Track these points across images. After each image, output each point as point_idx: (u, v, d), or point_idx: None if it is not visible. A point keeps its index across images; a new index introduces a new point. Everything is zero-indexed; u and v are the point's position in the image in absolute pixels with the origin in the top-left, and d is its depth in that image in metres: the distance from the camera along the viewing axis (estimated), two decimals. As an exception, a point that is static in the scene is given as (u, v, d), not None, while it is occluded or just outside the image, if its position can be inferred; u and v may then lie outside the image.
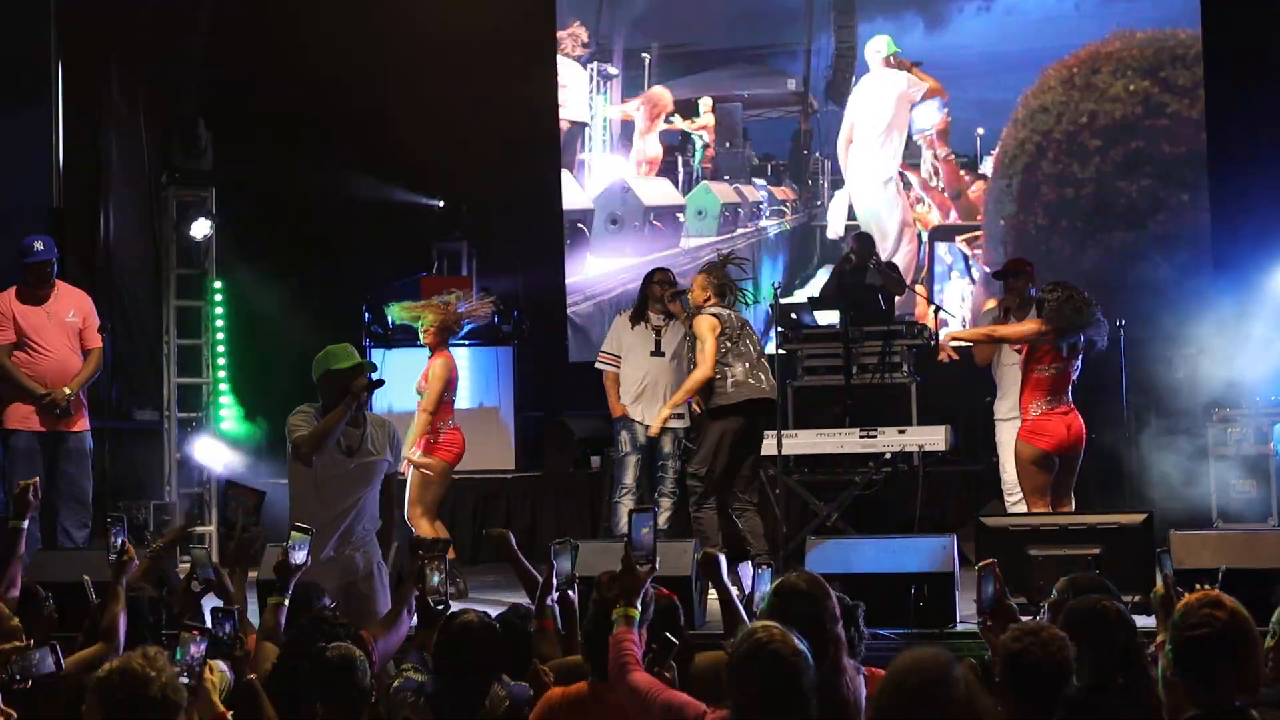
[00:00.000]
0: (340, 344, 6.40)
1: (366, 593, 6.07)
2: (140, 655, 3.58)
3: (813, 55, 12.21)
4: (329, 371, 6.20)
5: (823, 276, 11.73)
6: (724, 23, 12.43)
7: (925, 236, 11.97)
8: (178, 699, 3.57)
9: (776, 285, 9.69)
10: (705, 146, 12.39)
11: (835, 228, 12.06)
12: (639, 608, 4.21)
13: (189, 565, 5.47)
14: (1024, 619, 4.37)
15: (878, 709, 3.48)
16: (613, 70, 12.56)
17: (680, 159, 12.44)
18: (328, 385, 6.22)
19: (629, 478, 8.98)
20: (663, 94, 12.48)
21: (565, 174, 12.52)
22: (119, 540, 5.22)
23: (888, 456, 9.21)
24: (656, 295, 9.08)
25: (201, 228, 10.90)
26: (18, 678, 4.01)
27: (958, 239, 11.97)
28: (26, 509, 5.63)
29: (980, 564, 4.79)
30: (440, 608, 5.07)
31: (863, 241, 10.83)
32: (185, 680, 3.98)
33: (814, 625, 3.89)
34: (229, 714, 4.12)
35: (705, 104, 12.40)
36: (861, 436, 9.19)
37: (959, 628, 6.82)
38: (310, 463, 6.14)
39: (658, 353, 9.02)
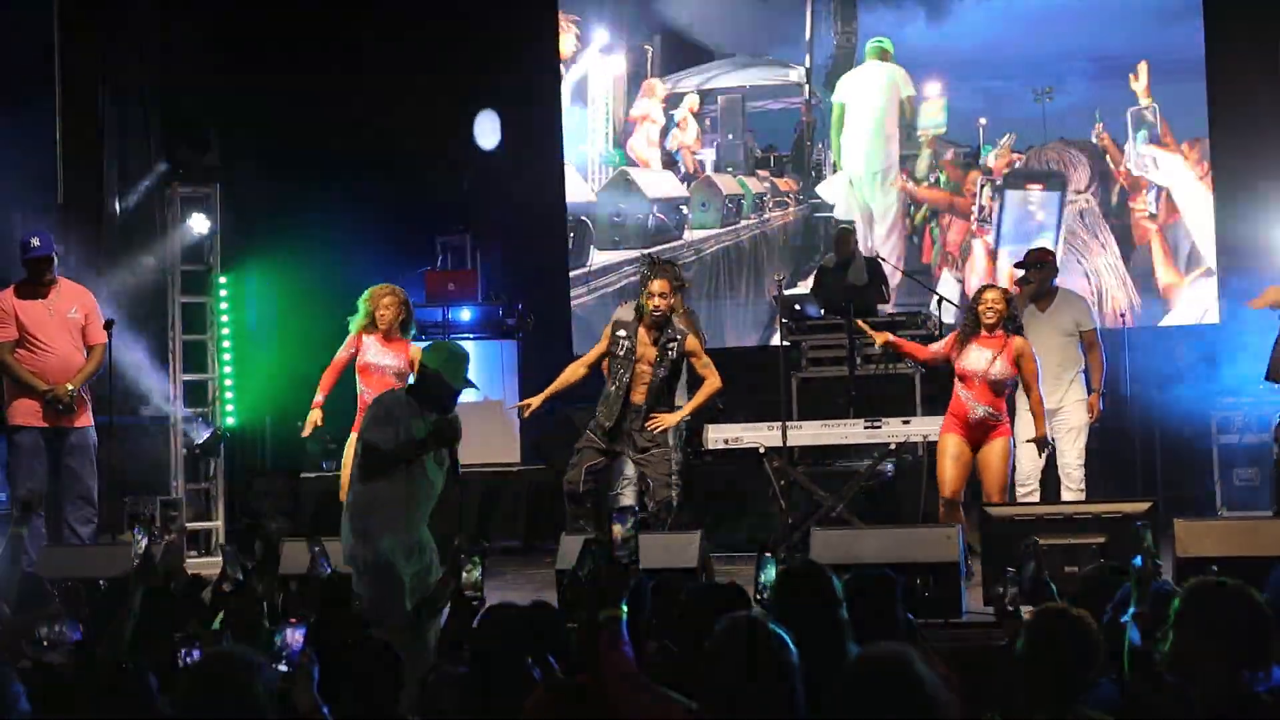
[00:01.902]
0: (464, 353, 6.33)
1: None
2: (238, 648, 3.60)
3: (814, 46, 12.21)
4: (441, 379, 6.12)
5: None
6: (726, 14, 12.42)
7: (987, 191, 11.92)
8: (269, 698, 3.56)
9: (780, 277, 9.68)
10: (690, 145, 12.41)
11: (834, 206, 12.03)
12: (624, 608, 4.19)
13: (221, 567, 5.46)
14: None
15: (838, 710, 3.28)
16: (614, 63, 12.54)
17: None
18: (432, 385, 6.13)
19: (630, 469, 8.98)
20: (654, 84, 12.48)
21: (568, 167, 12.52)
22: (142, 544, 5.22)
23: (892, 447, 9.21)
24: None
25: (200, 223, 10.91)
26: (45, 644, 4.02)
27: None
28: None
29: (1023, 543, 4.81)
30: (475, 603, 5.06)
31: (841, 238, 10.82)
32: (283, 668, 3.99)
33: (818, 613, 3.89)
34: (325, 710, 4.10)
35: (691, 101, 12.38)
36: (866, 427, 9.19)
37: (965, 618, 6.83)
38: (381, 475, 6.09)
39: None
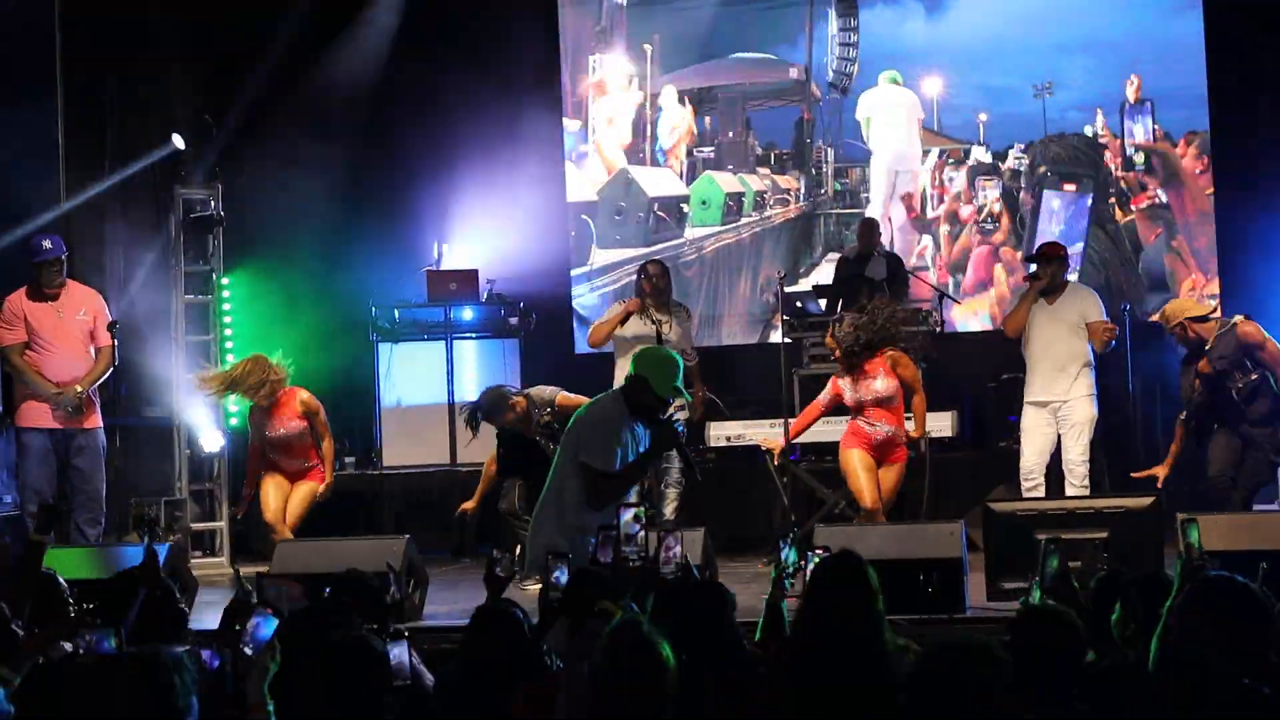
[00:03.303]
0: (673, 360, 6.39)
1: None
2: (159, 648, 3.59)
3: (814, 44, 12.21)
4: (649, 388, 6.21)
5: (825, 265, 11.76)
6: (725, 12, 12.42)
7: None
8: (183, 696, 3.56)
9: (781, 274, 9.70)
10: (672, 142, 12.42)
11: (876, 203, 12.01)
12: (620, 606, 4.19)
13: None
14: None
15: (911, 693, 3.41)
16: (613, 62, 12.55)
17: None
18: (641, 393, 6.23)
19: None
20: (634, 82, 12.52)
21: (569, 165, 12.54)
22: (147, 546, 5.24)
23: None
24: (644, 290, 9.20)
25: (201, 224, 10.91)
26: (80, 652, 4.00)
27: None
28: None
29: (1044, 541, 4.82)
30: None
31: (865, 230, 10.82)
32: (249, 652, 3.97)
33: (854, 605, 3.93)
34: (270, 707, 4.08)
35: (669, 94, 12.38)
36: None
37: (968, 613, 6.85)
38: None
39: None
